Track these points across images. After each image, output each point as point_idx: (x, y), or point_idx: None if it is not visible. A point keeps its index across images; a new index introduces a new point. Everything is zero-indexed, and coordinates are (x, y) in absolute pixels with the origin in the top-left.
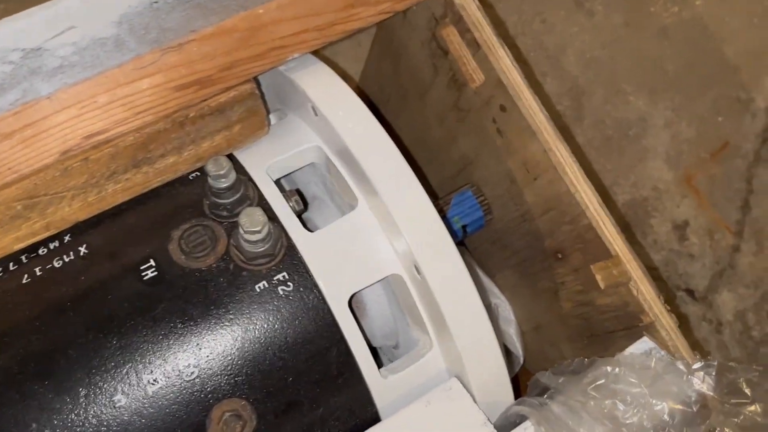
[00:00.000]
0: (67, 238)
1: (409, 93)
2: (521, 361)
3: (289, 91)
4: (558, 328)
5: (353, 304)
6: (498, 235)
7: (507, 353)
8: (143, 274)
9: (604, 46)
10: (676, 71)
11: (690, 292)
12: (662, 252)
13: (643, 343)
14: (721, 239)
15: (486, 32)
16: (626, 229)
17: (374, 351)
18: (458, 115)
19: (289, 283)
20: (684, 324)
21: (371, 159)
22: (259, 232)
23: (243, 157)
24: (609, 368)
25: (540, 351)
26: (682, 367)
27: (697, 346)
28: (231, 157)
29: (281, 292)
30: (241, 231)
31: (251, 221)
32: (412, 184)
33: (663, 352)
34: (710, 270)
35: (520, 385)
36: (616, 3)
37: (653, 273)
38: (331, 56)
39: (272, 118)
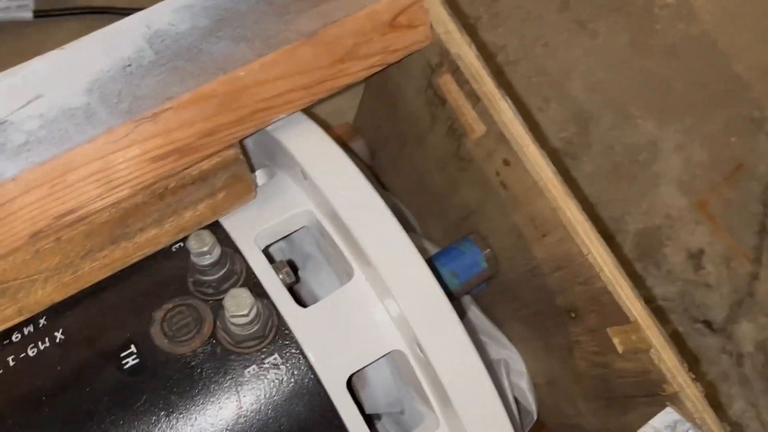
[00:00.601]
0: (42, 321)
1: (407, 137)
2: (534, 416)
3: (276, 150)
4: (573, 386)
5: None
6: (506, 286)
7: (519, 407)
8: (124, 362)
9: (609, 68)
10: (685, 91)
11: (708, 324)
12: (677, 282)
13: (668, 415)
14: (738, 267)
15: (486, 84)
16: (640, 259)
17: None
18: (459, 165)
19: (281, 366)
20: (711, 393)
21: (364, 228)
22: (246, 315)
23: (229, 224)
24: None
25: (555, 405)
26: None
27: (725, 418)
28: (216, 225)
29: (273, 377)
30: (227, 314)
31: (237, 304)
32: (411, 256)
33: (689, 425)
34: (728, 299)
35: None
36: (620, 23)
37: (669, 305)
38: None
39: (261, 174)
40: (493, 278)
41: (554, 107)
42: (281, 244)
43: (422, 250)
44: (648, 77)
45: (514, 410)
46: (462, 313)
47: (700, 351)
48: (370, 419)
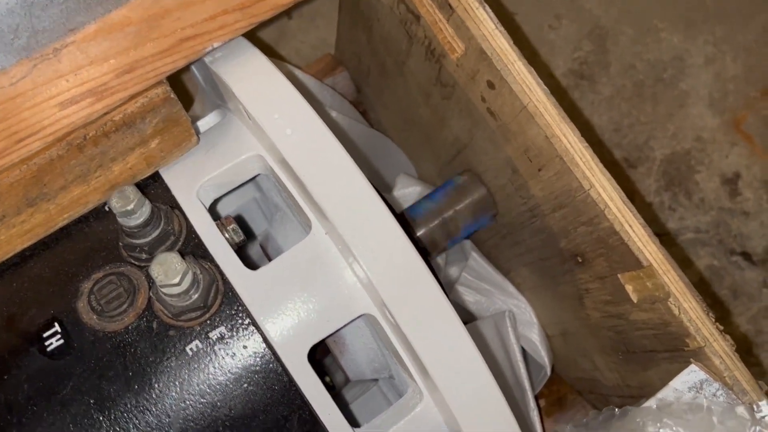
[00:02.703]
0: None
1: (387, 65)
2: (548, 372)
3: (220, 85)
4: (588, 338)
5: (329, 340)
6: (507, 229)
7: (528, 361)
8: (47, 343)
9: None
10: (716, 0)
11: (747, 256)
12: (711, 212)
13: (692, 374)
14: None
15: None
16: (668, 188)
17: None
18: (443, 92)
19: (228, 340)
20: (741, 347)
21: (317, 175)
22: (177, 284)
23: (169, 175)
24: (647, 421)
25: (570, 358)
26: (745, 412)
27: (761, 374)
28: (155, 177)
29: (220, 353)
30: (157, 284)
31: (165, 272)
32: (370, 201)
33: (718, 385)
34: None
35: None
36: None
37: (702, 237)
38: (310, 19)
39: (214, 116)
40: (492, 219)
41: (567, 24)
42: (255, 194)
43: (415, 193)
44: None
45: (522, 366)
46: (462, 259)
47: (739, 286)
48: (333, 389)
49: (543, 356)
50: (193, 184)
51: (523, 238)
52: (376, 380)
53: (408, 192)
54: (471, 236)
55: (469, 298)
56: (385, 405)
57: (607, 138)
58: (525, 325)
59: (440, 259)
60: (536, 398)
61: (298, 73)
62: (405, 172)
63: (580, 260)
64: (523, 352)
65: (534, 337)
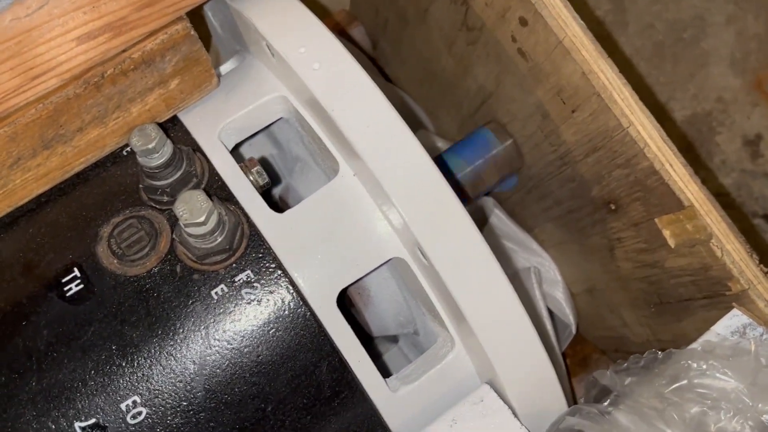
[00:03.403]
0: None
1: (408, 14)
2: (573, 330)
3: (239, 24)
4: (617, 292)
5: (353, 291)
6: (533, 182)
7: (554, 320)
8: (66, 288)
9: None
10: None
11: None
12: (733, 174)
13: (734, 318)
14: None
15: None
16: (689, 150)
17: (393, 338)
18: (468, 37)
19: (255, 284)
20: None
21: (347, 110)
22: (203, 223)
23: (189, 119)
24: (692, 362)
25: (597, 315)
26: None
27: None
28: (174, 122)
29: (246, 297)
30: (181, 224)
31: (191, 210)
32: (405, 140)
33: (762, 329)
34: None
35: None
36: None
37: (723, 200)
38: None
39: (232, 63)
40: (516, 173)
41: None
42: (271, 149)
43: (434, 149)
44: None
45: (548, 324)
46: (483, 218)
47: (761, 249)
48: (370, 340)
49: (568, 314)
50: (214, 126)
51: (550, 190)
52: (396, 341)
53: (427, 148)
54: (494, 193)
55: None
56: (406, 363)
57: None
58: (549, 283)
59: None
60: (563, 357)
61: None
62: (423, 128)
63: (613, 207)
64: (549, 311)
65: (558, 295)
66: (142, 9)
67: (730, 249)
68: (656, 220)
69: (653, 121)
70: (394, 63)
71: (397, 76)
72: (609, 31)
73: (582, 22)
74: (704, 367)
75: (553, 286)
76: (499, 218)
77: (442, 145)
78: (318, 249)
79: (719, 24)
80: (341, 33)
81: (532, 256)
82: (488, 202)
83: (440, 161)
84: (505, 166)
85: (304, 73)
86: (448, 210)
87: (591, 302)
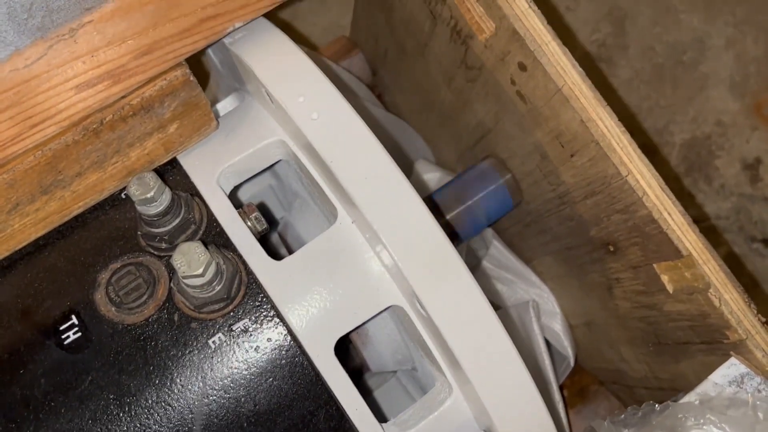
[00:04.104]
0: None
1: (407, 46)
2: (571, 363)
3: (239, 68)
4: (615, 329)
5: (353, 332)
6: (532, 216)
7: (552, 352)
8: (64, 336)
9: None
10: None
11: (767, 243)
12: (731, 198)
13: (732, 367)
14: None
15: None
16: (688, 173)
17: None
18: (468, 75)
19: (253, 333)
20: None
21: (346, 161)
22: (201, 275)
23: (188, 161)
24: (690, 416)
25: (595, 348)
26: None
27: None
28: (173, 165)
29: (244, 346)
30: (179, 275)
31: (189, 262)
32: (403, 193)
33: (760, 379)
34: None
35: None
36: None
37: (722, 223)
38: (321, 1)
39: (231, 100)
40: (516, 207)
41: (585, 5)
42: (270, 181)
43: (434, 180)
44: None
45: (546, 357)
46: (483, 248)
47: (760, 273)
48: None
49: (566, 346)
50: (213, 170)
51: (549, 226)
52: (394, 372)
53: (427, 178)
54: (493, 224)
55: (491, 287)
56: (405, 397)
57: (625, 122)
58: (547, 314)
59: (459, 248)
60: (560, 389)
61: (313, 56)
62: (423, 157)
63: (611, 249)
64: (546, 342)
65: (557, 327)
66: (141, 57)
67: (728, 299)
68: (655, 265)
69: (652, 169)
70: (393, 91)
71: (396, 104)
72: (609, 54)
73: (581, 69)
74: (701, 421)
75: (551, 317)
76: (498, 249)
77: (442, 175)
78: (316, 298)
79: (719, 47)
80: (341, 60)
81: (531, 287)
82: (487, 233)
83: (440, 196)
84: (504, 200)
85: (303, 122)
86: (446, 263)
87: (589, 335)
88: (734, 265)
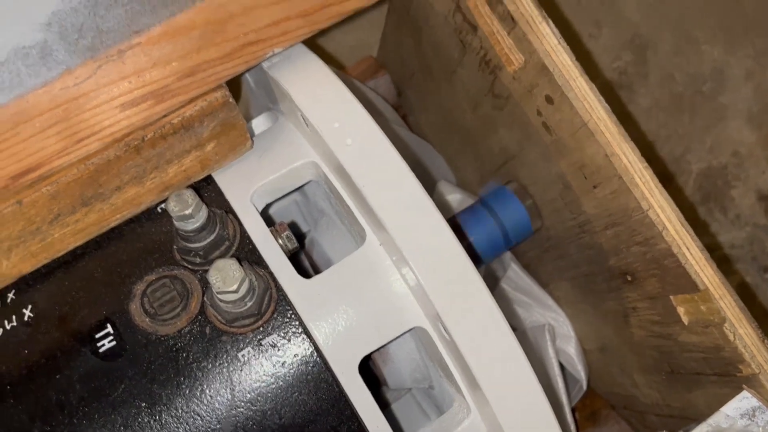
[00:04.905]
0: (10, 296)
1: (435, 72)
2: (584, 386)
3: (275, 91)
4: (629, 356)
5: None
6: (552, 242)
7: (565, 375)
8: (99, 344)
9: None
10: (756, 10)
11: None
12: (746, 228)
13: (744, 401)
14: None
15: (524, 4)
16: (703, 202)
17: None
18: (495, 103)
19: (281, 348)
20: None
21: (376, 186)
22: (235, 291)
23: (223, 179)
24: None
25: (608, 373)
26: None
27: None
28: (208, 181)
29: (272, 361)
30: (214, 290)
31: (224, 279)
32: (429, 215)
33: None
34: None
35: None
36: None
37: (736, 252)
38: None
39: (264, 118)
40: (536, 233)
41: (607, 33)
42: (296, 197)
43: (456, 201)
44: None
45: (560, 380)
46: (503, 270)
47: None
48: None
49: (579, 370)
50: (247, 189)
51: (568, 253)
52: (409, 389)
53: (449, 199)
54: (512, 248)
55: (508, 309)
56: (420, 414)
57: (643, 150)
58: (562, 338)
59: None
60: (573, 412)
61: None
62: (444, 178)
63: (629, 279)
64: (560, 365)
65: (571, 350)
66: (184, 78)
67: (743, 333)
68: (672, 297)
69: (672, 204)
70: (417, 112)
71: (419, 125)
72: (629, 82)
73: (607, 105)
74: None
75: (565, 341)
76: (515, 272)
77: (463, 197)
78: (343, 316)
79: (738, 78)
80: (368, 80)
81: (547, 311)
82: (506, 256)
83: (462, 218)
84: (525, 226)
85: (338, 147)
86: (471, 289)
87: (602, 360)
88: (746, 294)
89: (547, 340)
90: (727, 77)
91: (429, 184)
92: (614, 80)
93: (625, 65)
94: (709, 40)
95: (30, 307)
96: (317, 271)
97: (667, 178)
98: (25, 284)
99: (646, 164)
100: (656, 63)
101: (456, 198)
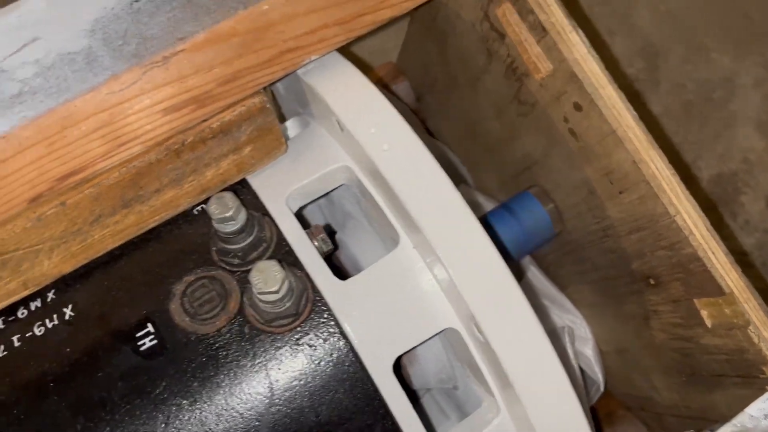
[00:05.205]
0: (50, 295)
1: (459, 78)
2: (601, 388)
3: (309, 97)
4: (648, 358)
5: None
6: (572, 246)
7: (584, 377)
8: (140, 343)
9: None
10: (764, 20)
11: None
12: (755, 234)
13: (767, 403)
14: None
15: (555, 14)
16: (713, 209)
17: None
18: (520, 109)
19: (318, 348)
20: None
21: (412, 190)
22: (276, 292)
23: (258, 182)
24: None
25: (625, 375)
26: None
27: None
28: (243, 184)
29: (309, 360)
30: (254, 291)
31: (265, 280)
32: (466, 222)
33: None
34: None
35: (598, 415)
36: None
37: (745, 259)
38: None
39: (293, 123)
40: (557, 236)
41: (619, 41)
42: (319, 200)
43: (475, 205)
44: (724, 4)
45: (578, 382)
46: (520, 275)
47: None
48: (416, 397)
49: (597, 372)
50: (282, 192)
51: (589, 256)
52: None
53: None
54: (533, 251)
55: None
56: (439, 414)
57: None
58: (580, 340)
59: None
60: (592, 414)
61: None
62: (463, 182)
63: (652, 282)
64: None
65: (588, 352)
66: (225, 84)
67: (767, 336)
68: (696, 300)
69: (698, 210)
70: (437, 117)
71: (439, 129)
72: (641, 89)
73: (635, 112)
74: None
75: (583, 343)
76: (535, 275)
77: (482, 200)
78: (377, 317)
79: (747, 86)
80: (385, 86)
81: (566, 314)
82: (525, 259)
83: (487, 222)
84: (547, 230)
85: (375, 153)
86: (506, 293)
87: (620, 362)
88: None
89: (567, 343)
90: (737, 85)
91: None
92: (625, 87)
93: (637, 72)
94: (718, 48)
95: (70, 305)
96: (344, 272)
97: None
98: (64, 284)
99: (673, 171)
100: (667, 71)
101: (477, 203)
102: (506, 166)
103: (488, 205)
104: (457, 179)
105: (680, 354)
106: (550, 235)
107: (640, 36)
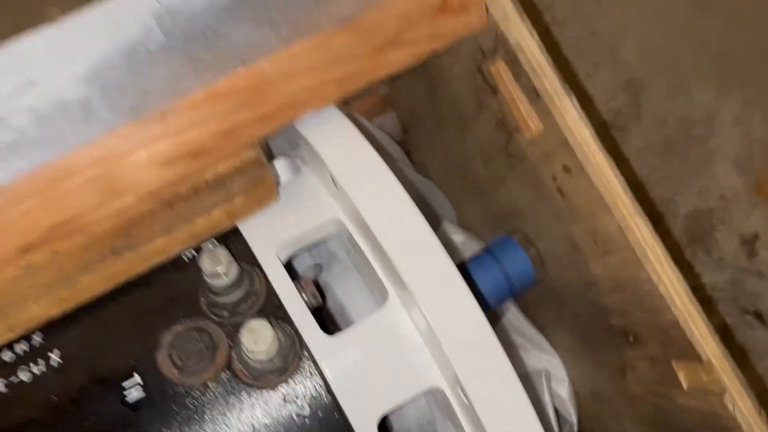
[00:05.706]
0: (38, 339)
1: (447, 122)
2: (575, 429)
3: (303, 146)
4: (624, 407)
5: None
6: (553, 293)
7: (558, 417)
8: (126, 393)
9: (666, 30)
10: (749, 59)
11: (759, 316)
12: (728, 270)
13: None
14: None
15: (549, 80)
16: (689, 244)
17: None
18: (508, 161)
19: (303, 404)
20: None
21: (404, 254)
22: (266, 351)
23: (248, 230)
24: None
25: (599, 419)
26: None
27: None
28: (234, 231)
29: (295, 416)
30: (244, 349)
31: (256, 340)
32: (455, 286)
33: None
34: None
35: None
36: None
37: (718, 294)
38: None
39: (282, 164)
40: (538, 283)
41: (604, 73)
42: None
43: (457, 246)
44: (709, 43)
45: (554, 426)
46: (499, 315)
47: (749, 344)
48: None
49: (571, 413)
50: (272, 243)
51: (569, 305)
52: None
53: (453, 239)
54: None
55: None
56: None
57: (634, 190)
58: (556, 380)
59: None
60: None
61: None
62: (447, 217)
63: (631, 339)
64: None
65: (563, 393)
66: (222, 138)
67: (742, 406)
68: (674, 362)
69: (681, 280)
70: (423, 151)
71: (424, 164)
72: (624, 123)
73: (623, 179)
74: None
75: (559, 383)
76: (514, 315)
77: (466, 239)
78: (365, 376)
79: (728, 124)
80: (374, 117)
81: (543, 354)
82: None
83: (470, 268)
84: (529, 278)
85: (367, 213)
86: (491, 356)
87: (595, 406)
88: (725, 335)
89: (544, 385)
90: (718, 123)
91: (433, 223)
92: (609, 120)
93: (619, 106)
94: (701, 86)
95: (58, 351)
96: (329, 315)
97: (656, 220)
98: (52, 328)
99: (658, 238)
100: (650, 106)
101: (459, 239)
102: (492, 207)
103: (471, 244)
104: (441, 213)
105: (655, 409)
106: (532, 283)
107: (626, 69)
